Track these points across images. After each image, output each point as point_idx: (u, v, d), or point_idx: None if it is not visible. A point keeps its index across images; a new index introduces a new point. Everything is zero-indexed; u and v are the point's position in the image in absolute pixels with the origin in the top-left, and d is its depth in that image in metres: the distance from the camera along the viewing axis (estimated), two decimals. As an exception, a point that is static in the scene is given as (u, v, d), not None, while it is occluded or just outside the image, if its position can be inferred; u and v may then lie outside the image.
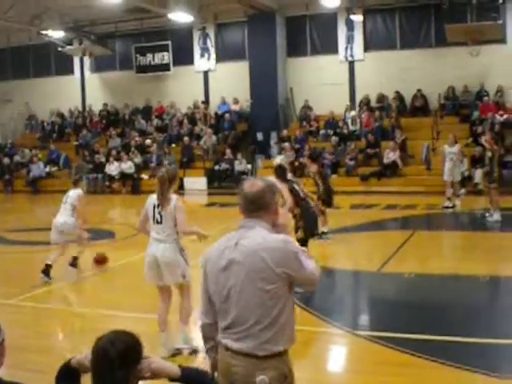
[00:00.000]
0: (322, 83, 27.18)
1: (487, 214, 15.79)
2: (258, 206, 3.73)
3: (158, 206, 6.98)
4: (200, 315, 3.91)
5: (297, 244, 3.85)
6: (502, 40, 25.04)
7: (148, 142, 27.49)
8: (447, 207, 17.87)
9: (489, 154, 15.61)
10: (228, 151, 25.81)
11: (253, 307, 3.57)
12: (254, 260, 3.58)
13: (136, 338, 3.08)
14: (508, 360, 6.92)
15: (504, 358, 6.94)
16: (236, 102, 28.28)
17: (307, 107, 27.39)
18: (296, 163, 20.86)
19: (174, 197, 7.04)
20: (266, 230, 3.70)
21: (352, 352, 7.47)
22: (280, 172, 9.87)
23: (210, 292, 3.76)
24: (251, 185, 3.78)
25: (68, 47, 29.27)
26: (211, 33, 29.26)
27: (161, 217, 7.00)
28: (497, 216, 15.20)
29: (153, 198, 7.10)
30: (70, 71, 32.20)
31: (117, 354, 2.96)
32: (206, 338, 3.95)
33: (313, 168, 13.58)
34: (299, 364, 6.96)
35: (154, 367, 3.09)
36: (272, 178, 10.43)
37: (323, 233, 12.89)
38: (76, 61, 31.82)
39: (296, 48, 28.03)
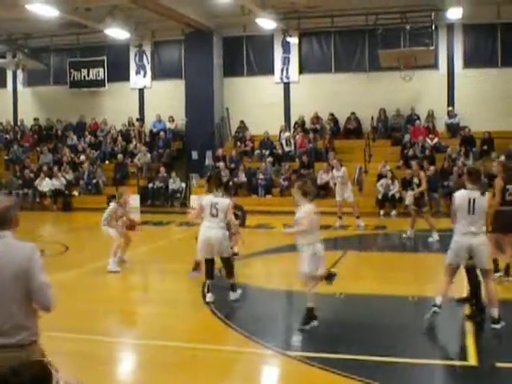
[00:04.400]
0: (258, 104, 27.39)
1: (404, 235, 16.79)
2: None
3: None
4: None
5: None
6: (434, 65, 25.75)
7: (82, 158, 27.10)
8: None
9: (415, 180, 16.22)
10: (162, 169, 25.64)
11: None
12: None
13: (45, 371, 2.92)
14: (435, 379, 7.05)
15: (431, 378, 7.06)
16: (171, 120, 28.18)
17: (243, 127, 27.50)
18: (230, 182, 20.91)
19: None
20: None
21: (282, 373, 7.45)
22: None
23: None
24: None
25: (1, 60, 28.73)
26: (148, 50, 29.15)
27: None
28: (436, 236, 15.74)
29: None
30: (3, 84, 31.54)
31: None
32: None
33: None
34: (229, 385, 6.96)
35: None
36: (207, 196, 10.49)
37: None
38: (9, 74, 31.19)
39: (232, 68, 28.17)
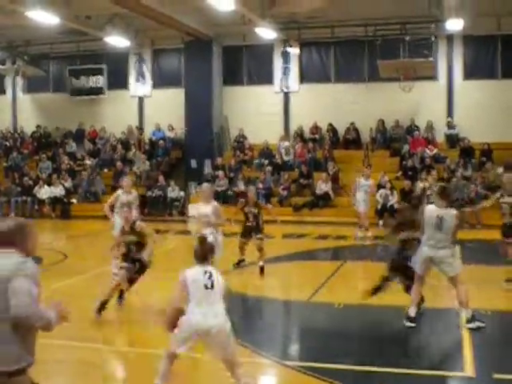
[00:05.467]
0: (257, 113, 27.42)
1: None
2: None
3: None
4: None
5: None
6: (434, 77, 25.79)
7: (88, 163, 27.15)
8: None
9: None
10: (161, 178, 25.60)
11: None
12: None
13: None
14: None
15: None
16: (171, 128, 28.20)
17: (242, 136, 27.52)
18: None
19: None
20: None
21: (281, 382, 7.43)
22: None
23: None
24: None
25: (0, 67, 28.74)
26: (148, 58, 29.19)
27: None
28: None
29: None
30: (2, 91, 31.54)
31: None
32: None
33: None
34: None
35: None
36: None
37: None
38: (8, 81, 31.21)
39: (232, 77, 28.20)
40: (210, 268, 6.29)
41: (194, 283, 6.13)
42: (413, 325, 8.97)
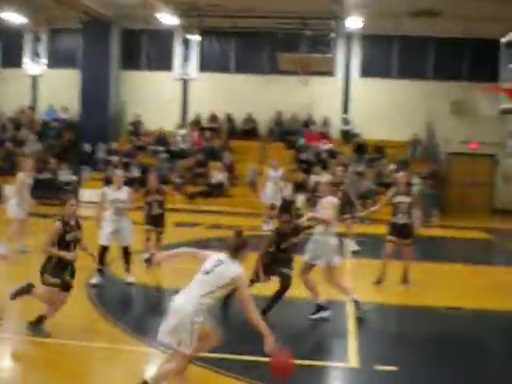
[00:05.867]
0: (155, 99, 27.08)
1: None
2: None
3: None
4: None
5: None
6: (331, 73, 26.23)
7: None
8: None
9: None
10: (52, 160, 24.84)
11: None
12: None
13: None
14: (316, 381, 7.10)
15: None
16: (65, 110, 27.42)
17: (138, 122, 27.07)
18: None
19: None
20: None
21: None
22: None
23: None
24: None
25: None
26: (44, 37, 28.26)
27: None
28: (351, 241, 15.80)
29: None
30: None
31: None
32: None
33: None
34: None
35: None
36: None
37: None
38: None
39: (131, 61, 27.72)
40: (224, 258, 6.16)
41: None
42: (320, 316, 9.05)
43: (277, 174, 19.02)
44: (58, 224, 7.94)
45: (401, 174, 12.31)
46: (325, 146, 25.10)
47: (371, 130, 25.62)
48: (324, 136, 25.66)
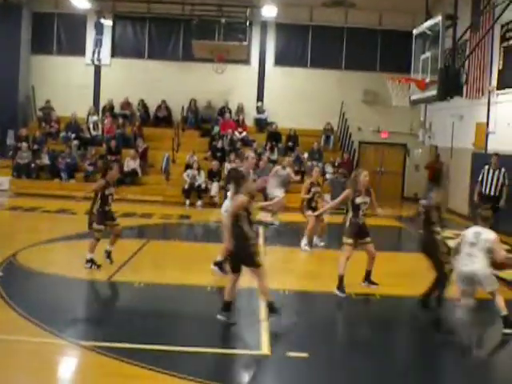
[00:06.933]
0: (67, 84, 26.49)
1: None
2: None
3: None
4: None
5: None
6: (247, 61, 26.29)
7: None
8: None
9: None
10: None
11: None
12: None
13: None
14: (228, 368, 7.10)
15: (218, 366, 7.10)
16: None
17: (49, 107, 26.37)
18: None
19: None
20: None
21: (77, 364, 7.12)
22: None
23: None
24: None
25: None
26: None
27: None
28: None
29: None
30: None
31: None
32: None
33: None
34: (22, 377, 6.52)
35: None
36: None
37: None
38: None
39: (41, 45, 26.96)
40: None
41: None
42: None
43: (284, 173, 17.84)
44: None
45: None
46: (239, 134, 25.14)
47: (285, 119, 25.82)
48: (238, 124, 25.68)
